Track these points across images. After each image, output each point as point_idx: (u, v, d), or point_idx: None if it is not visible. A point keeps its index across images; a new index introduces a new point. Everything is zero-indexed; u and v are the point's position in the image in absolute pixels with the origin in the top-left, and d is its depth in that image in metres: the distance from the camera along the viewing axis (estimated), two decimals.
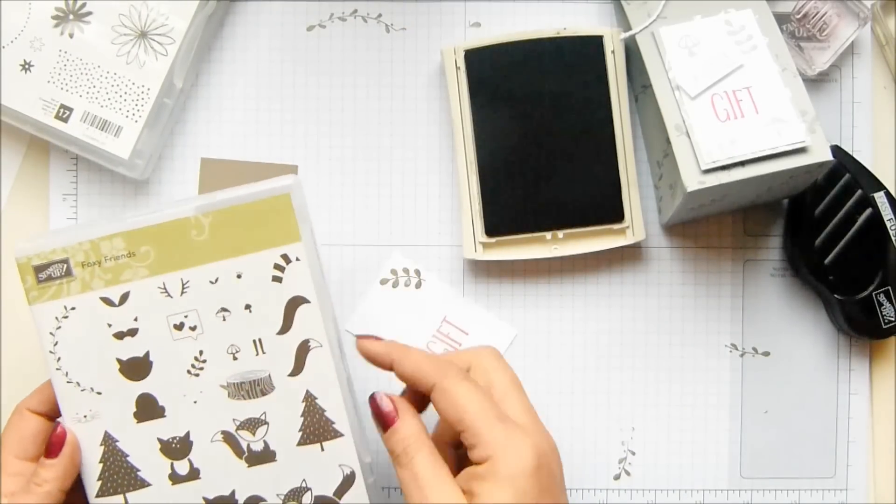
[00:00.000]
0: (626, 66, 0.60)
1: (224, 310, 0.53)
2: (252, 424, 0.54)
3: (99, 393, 0.53)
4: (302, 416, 0.54)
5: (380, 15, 0.62)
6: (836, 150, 0.61)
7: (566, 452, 0.62)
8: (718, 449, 0.62)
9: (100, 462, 0.54)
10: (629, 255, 0.63)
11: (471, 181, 0.60)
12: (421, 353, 0.51)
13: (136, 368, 0.53)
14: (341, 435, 0.54)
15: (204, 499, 0.54)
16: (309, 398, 0.54)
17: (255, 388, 0.54)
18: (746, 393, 0.63)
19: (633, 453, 0.62)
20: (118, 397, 0.53)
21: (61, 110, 0.59)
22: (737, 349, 0.63)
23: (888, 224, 0.60)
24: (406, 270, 0.62)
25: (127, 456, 0.54)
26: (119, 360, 0.53)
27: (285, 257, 0.53)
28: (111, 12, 0.59)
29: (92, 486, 0.54)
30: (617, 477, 0.62)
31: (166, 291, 0.53)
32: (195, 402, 0.54)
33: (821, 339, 0.63)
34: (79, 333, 0.53)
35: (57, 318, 0.53)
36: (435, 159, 0.62)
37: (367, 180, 0.62)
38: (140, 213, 0.53)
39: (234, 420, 0.54)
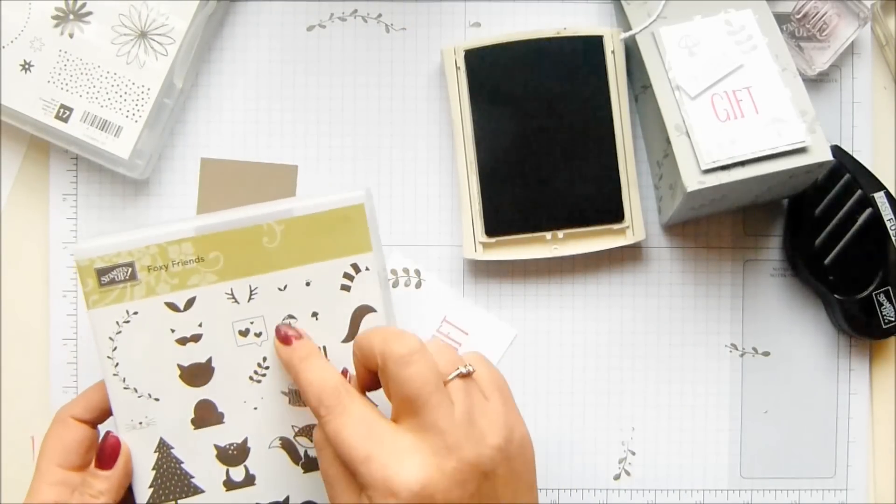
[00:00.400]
0: (626, 66, 0.60)
1: (291, 317, 0.53)
2: (311, 431, 0.54)
3: (157, 399, 0.53)
4: None
5: (380, 15, 0.62)
6: (836, 150, 0.61)
7: (566, 452, 0.62)
8: (718, 449, 0.62)
9: (153, 469, 0.53)
10: (629, 255, 0.63)
11: (471, 181, 0.60)
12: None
13: (198, 374, 0.53)
14: None
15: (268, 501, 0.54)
16: None
17: None
18: (746, 393, 0.63)
19: (633, 453, 0.63)
20: (177, 403, 0.53)
21: (61, 110, 0.59)
22: (737, 349, 0.63)
23: (888, 224, 0.60)
24: (406, 270, 0.62)
25: (182, 463, 0.53)
26: (180, 366, 0.53)
27: (355, 266, 0.53)
28: (111, 12, 0.59)
29: (143, 493, 0.53)
30: (617, 477, 0.62)
31: (234, 297, 0.53)
32: (255, 409, 0.53)
33: (821, 339, 0.63)
34: (140, 338, 0.52)
35: (118, 322, 0.52)
36: (435, 159, 0.62)
37: (367, 180, 0.62)
38: (211, 218, 0.53)
39: (293, 426, 0.54)
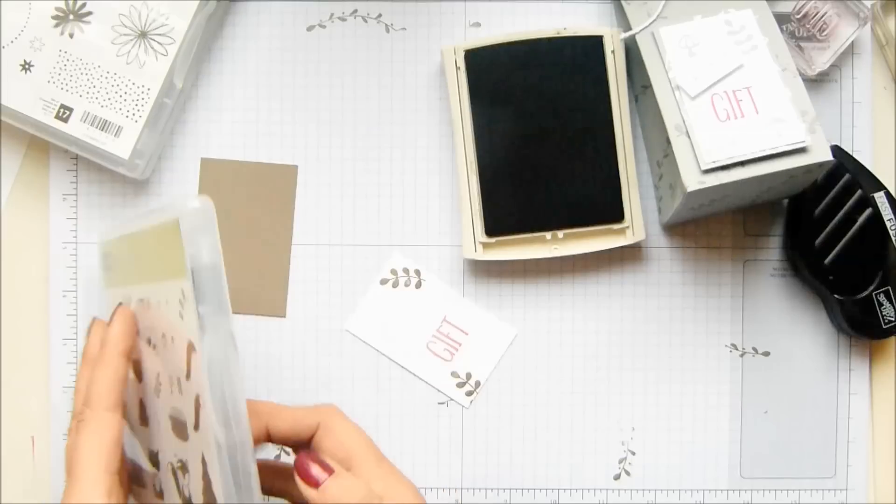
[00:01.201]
0: (626, 66, 0.60)
1: (164, 336, 0.48)
2: (183, 466, 0.48)
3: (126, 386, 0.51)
4: (202, 478, 0.46)
5: (380, 15, 0.62)
6: (836, 150, 0.61)
7: (566, 452, 0.62)
8: (718, 449, 0.62)
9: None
10: (629, 255, 0.63)
11: (471, 181, 0.60)
12: (287, 407, 0.50)
13: (137, 370, 0.52)
14: None
15: None
16: (203, 463, 0.46)
17: (179, 428, 0.48)
18: (746, 393, 0.63)
19: (633, 453, 0.62)
20: (132, 393, 0.53)
21: (61, 110, 0.59)
22: (737, 349, 0.63)
23: (888, 224, 0.60)
24: (406, 270, 0.62)
25: (127, 454, 0.53)
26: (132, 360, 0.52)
27: (183, 293, 0.45)
28: (111, 12, 0.59)
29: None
30: (617, 477, 0.62)
31: (146, 303, 0.49)
32: (159, 423, 0.50)
33: (821, 339, 0.63)
34: None
35: (113, 305, 0.53)
36: (435, 159, 0.62)
37: (367, 180, 0.62)
38: (140, 215, 0.53)
39: (174, 455, 0.49)
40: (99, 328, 0.54)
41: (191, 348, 0.45)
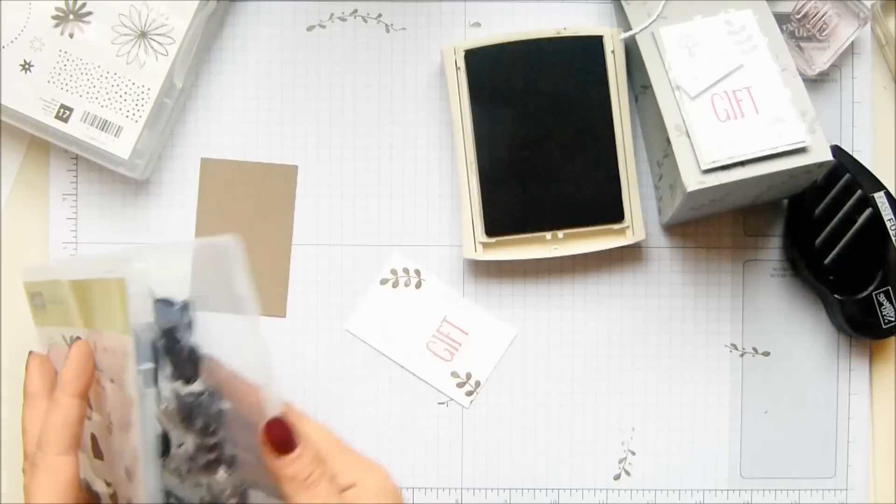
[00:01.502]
0: (626, 66, 0.60)
1: (114, 384, 0.48)
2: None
3: (89, 418, 0.51)
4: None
5: (380, 15, 0.62)
6: (836, 150, 0.61)
7: (566, 452, 0.62)
8: (718, 449, 0.62)
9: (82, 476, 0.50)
10: (629, 255, 0.63)
11: (471, 181, 0.60)
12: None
13: (90, 402, 0.50)
14: None
15: None
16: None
17: (129, 471, 0.47)
18: (746, 393, 0.63)
19: (633, 453, 0.63)
20: (86, 430, 0.51)
21: (61, 110, 0.59)
22: (737, 349, 0.63)
23: (888, 224, 0.60)
24: (406, 270, 0.62)
25: (92, 483, 0.52)
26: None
27: (124, 348, 0.45)
28: (111, 12, 0.59)
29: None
30: (617, 477, 0.62)
31: (93, 346, 0.49)
32: (112, 462, 0.48)
33: (821, 339, 0.63)
34: (60, 360, 0.51)
35: (48, 342, 0.54)
36: (435, 159, 0.62)
37: (367, 180, 0.62)
38: (74, 261, 0.52)
39: (127, 496, 0.48)
40: (37, 364, 0.52)
41: (129, 402, 0.45)
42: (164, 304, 0.47)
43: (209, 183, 0.62)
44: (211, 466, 0.48)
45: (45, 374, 0.52)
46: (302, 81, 0.62)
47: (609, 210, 0.60)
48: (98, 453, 0.51)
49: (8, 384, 0.62)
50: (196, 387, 0.47)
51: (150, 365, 0.44)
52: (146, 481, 0.45)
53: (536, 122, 0.60)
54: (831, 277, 0.60)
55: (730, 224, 0.63)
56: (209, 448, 0.48)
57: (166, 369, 0.46)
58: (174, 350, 0.46)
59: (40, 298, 0.53)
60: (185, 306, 0.47)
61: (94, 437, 0.51)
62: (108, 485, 0.50)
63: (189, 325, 0.47)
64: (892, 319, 0.60)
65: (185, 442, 0.48)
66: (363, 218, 0.62)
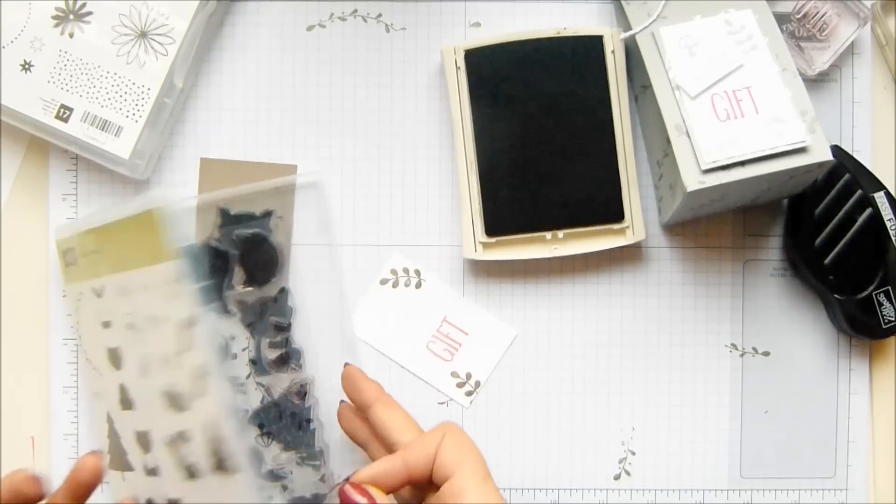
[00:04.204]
0: (626, 66, 0.60)
1: (149, 318, 0.52)
2: (183, 437, 0.52)
3: (101, 374, 0.56)
4: (207, 443, 0.51)
5: (380, 15, 0.62)
6: (836, 150, 0.61)
7: (566, 452, 0.62)
8: (718, 449, 0.62)
9: (107, 437, 0.56)
10: (629, 255, 0.63)
11: (471, 181, 0.60)
12: (415, 438, 0.53)
13: (115, 358, 0.55)
14: (238, 471, 0.51)
15: (168, 499, 0.53)
16: (212, 425, 0.51)
17: (177, 401, 0.52)
18: (746, 393, 0.63)
19: (633, 453, 0.63)
20: (110, 382, 0.55)
21: (61, 110, 0.59)
22: (737, 349, 0.63)
23: (888, 224, 0.60)
24: (406, 270, 0.62)
25: (120, 438, 0.56)
26: (107, 348, 0.55)
27: (171, 275, 0.50)
28: (111, 12, 0.59)
29: (106, 458, 0.56)
30: (617, 477, 0.62)
31: (123, 291, 0.53)
32: (150, 402, 0.53)
33: (821, 339, 0.63)
34: (86, 317, 0.56)
35: (76, 299, 0.57)
36: (435, 159, 0.62)
37: (367, 180, 0.62)
38: (105, 210, 0.55)
39: (171, 429, 0.52)
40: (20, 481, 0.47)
41: (187, 323, 0.49)
42: (244, 215, 0.55)
43: (209, 183, 0.62)
44: (280, 362, 0.56)
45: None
46: (302, 81, 0.62)
47: (609, 210, 0.60)
48: (127, 403, 0.54)
49: (8, 384, 0.62)
50: (271, 288, 0.55)
51: (207, 281, 0.50)
52: (218, 393, 0.49)
53: (536, 122, 0.60)
54: (831, 277, 0.60)
55: (730, 224, 0.63)
56: (279, 344, 0.56)
57: (237, 276, 0.53)
58: (256, 254, 0.54)
59: (72, 254, 0.55)
60: (268, 213, 0.58)
61: (122, 388, 0.55)
62: (142, 445, 0.54)
63: (270, 231, 0.56)
64: (892, 319, 0.60)
65: (248, 347, 0.56)
66: (363, 218, 0.62)
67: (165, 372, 0.51)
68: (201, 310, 0.49)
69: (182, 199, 0.54)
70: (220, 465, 0.50)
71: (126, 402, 0.54)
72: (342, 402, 0.58)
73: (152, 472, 0.54)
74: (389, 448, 0.54)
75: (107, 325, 0.55)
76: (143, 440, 0.54)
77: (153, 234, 0.49)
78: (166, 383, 0.52)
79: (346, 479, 0.52)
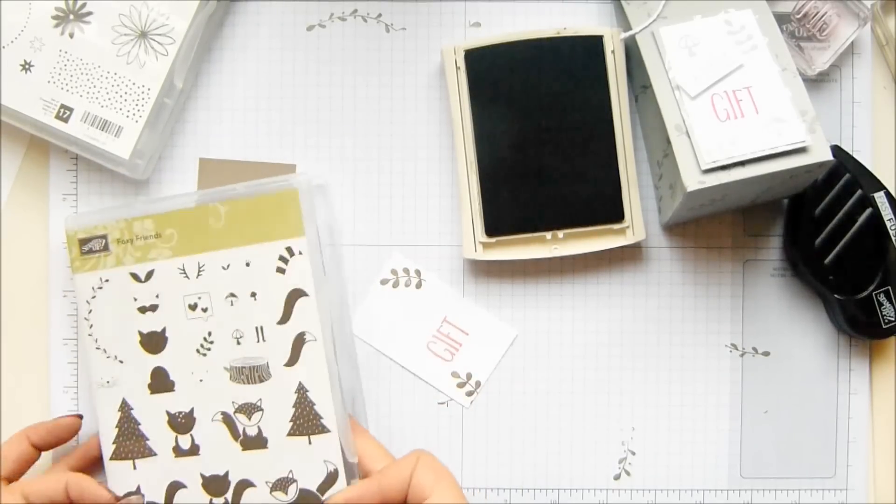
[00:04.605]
0: (626, 66, 0.60)
1: (233, 295, 0.57)
2: (249, 409, 0.56)
3: (121, 361, 0.57)
4: (294, 406, 0.56)
5: (380, 15, 0.62)
6: (836, 150, 0.61)
7: (566, 452, 0.62)
8: (718, 449, 0.62)
9: (115, 427, 0.57)
10: (629, 255, 0.63)
11: (471, 181, 0.60)
12: (389, 465, 0.56)
13: (154, 342, 0.57)
14: (328, 431, 0.56)
15: (201, 475, 0.57)
16: (301, 390, 0.56)
17: (254, 373, 0.56)
18: (746, 393, 0.63)
19: (633, 453, 0.63)
20: (137, 367, 0.57)
21: (61, 110, 0.59)
22: (737, 349, 0.63)
23: (888, 224, 0.60)
24: (406, 270, 0.62)
25: (139, 424, 0.57)
26: (140, 333, 0.57)
27: (290, 250, 0.56)
28: (111, 12, 0.59)
29: (108, 448, 0.57)
30: (617, 477, 0.62)
31: (185, 273, 0.57)
32: (201, 381, 0.57)
33: (821, 339, 0.63)
34: (110, 304, 0.57)
35: (93, 287, 0.58)
36: (435, 159, 0.62)
37: (367, 180, 0.62)
38: (167, 198, 0.58)
39: (233, 402, 0.57)
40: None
41: (296, 295, 0.56)
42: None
43: (208, 183, 0.62)
44: None
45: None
46: (302, 81, 0.62)
47: (609, 210, 0.60)
48: (161, 386, 0.57)
49: (8, 384, 0.62)
50: None
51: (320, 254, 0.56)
52: (319, 358, 0.56)
53: (536, 122, 0.60)
54: (831, 277, 0.60)
55: (730, 224, 0.63)
56: None
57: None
58: None
59: (100, 241, 0.58)
60: None
61: (156, 373, 0.57)
62: (175, 427, 0.57)
63: None
64: (892, 319, 0.60)
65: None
66: (363, 218, 0.62)
67: (239, 347, 0.56)
68: (311, 280, 0.56)
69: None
70: (301, 429, 0.56)
71: (160, 385, 0.57)
72: None
73: (190, 451, 0.57)
74: (362, 476, 0.56)
75: (150, 308, 0.57)
76: (181, 420, 0.57)
77: (291, 209, 0.56)
78: (237, 358, 0.56)
79: (322, 502, 0.55)
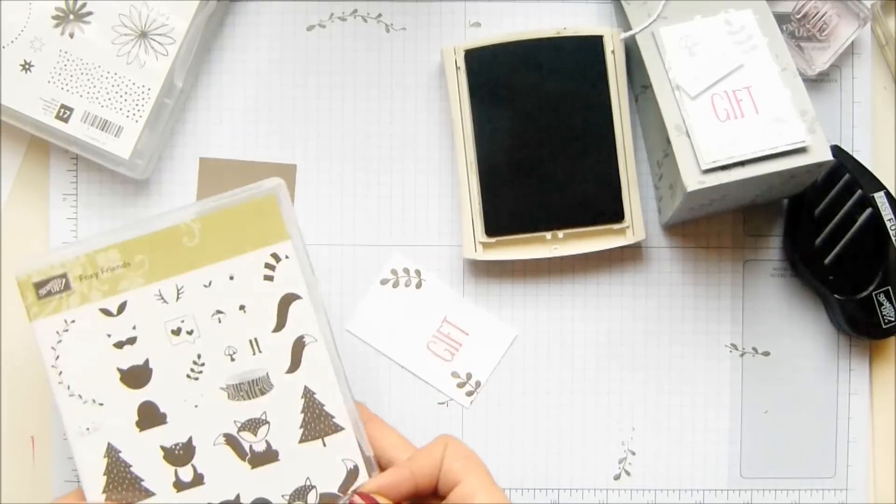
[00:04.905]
0: (626, 66, 0.60)
1: (219, 312, 0.54)
2: (253, 425, 0.54)
3: (101, 404, 0.54)
4: (302, 412, 0.54)
5: (380, 15, 0.62)
6: (836, 150, 0.61)
7: (566, 452, 0.62)
8: (718, 449, 0.62)
9: (104, 475, 0.54)
10: (629, 255, 0.63)
11: (471, 181, 0.60)
12: (417, 450, 0.54)
13: (137, 376, 0.54)
14: (342, 429, 0.54)
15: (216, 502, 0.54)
16: (308, 394, 0.54)
17: (255, 387, 0.54)
18: (746, 393, 0.63)
19: (633, 453, 0.63)
20: (120, 407, 0.54)
21: (62, 110, 0.59)
22: (737, 349, 0.63)
23: (888, 224, 0.60)
24: (406, 270, 0.62)
25: (130, 466, 0.54)
26: (119, 370, 0.54)
27: (275, 256, 0.54)
28: (111, 12, 0.59)
29: (96, 498, 0.53)
30: (617, 477, 0.62)
31: (162, 298, 0.54)
32: (196, 407, 0.54)
33: (821, 339, 0.63)
34: (79, 346, 0.54)
35: (58, 332, 0.54)
36: (435, 159, 0.62)
37: (367, 180, 0.62)
38: (132, 223, 0.55)
39: (235, 422, 0.54)
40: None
41: (289, 299, 0.54)
42: None
43: (208, 183, 0.62)
44: None
45: None
46: (302, 81, 0.62)
47: (609, 210, 0.60)
48: (152, 420, 0.54)
49: (8, 384, 0.62)
50: None
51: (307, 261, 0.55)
52: (321, 357, 0.54)
53: (536, 122, 0.60)
54: (831, 277, 0.60)
55: (730, 224, 0.63)
56: None
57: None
58: None
59: (59, 282, 0.54)
60: None
61: (143, 408, 0.54)
62: (171, 459, 0.54)
63: None
64: (892, 319, 0.60)
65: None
66: (363, 218, 0.62)
67: (233, 364, 0.54)
68: (314, 284, 0.55)
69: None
70: (313, 433, 0.54)
71: (150, 420, 0.54)
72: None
73: (193, 482, 0.54)
74: (385, 466, 0.55)
75: (128, 341, 0.54)
76: (179, 452, 0.54)
77: (269, 215, 0.54)
78: (232, 375, 0.54)
79: (354, 491, 0.53)
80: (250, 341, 0.54)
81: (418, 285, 0.62)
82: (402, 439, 0.55)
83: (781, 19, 0.60)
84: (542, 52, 0.60)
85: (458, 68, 0.60)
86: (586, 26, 0.62)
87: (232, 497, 0.54)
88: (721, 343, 0.63)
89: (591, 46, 0.60)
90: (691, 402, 0.63)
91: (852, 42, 0.61)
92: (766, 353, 0.63)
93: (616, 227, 0.60)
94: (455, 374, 0.62)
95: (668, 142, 0.55)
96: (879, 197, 0.60)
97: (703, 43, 0.56)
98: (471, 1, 0.63)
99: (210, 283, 0.54)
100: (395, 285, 0.62)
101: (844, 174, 0.60)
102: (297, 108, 0.62)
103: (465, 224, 0.61)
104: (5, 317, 0.62)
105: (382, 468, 0.54)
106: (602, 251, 0.61)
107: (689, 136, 0.55)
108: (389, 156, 0.62)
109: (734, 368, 0.63)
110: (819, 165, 0.55)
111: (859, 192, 0.60)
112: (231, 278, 0.54)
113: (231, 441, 0.54)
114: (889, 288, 0.60)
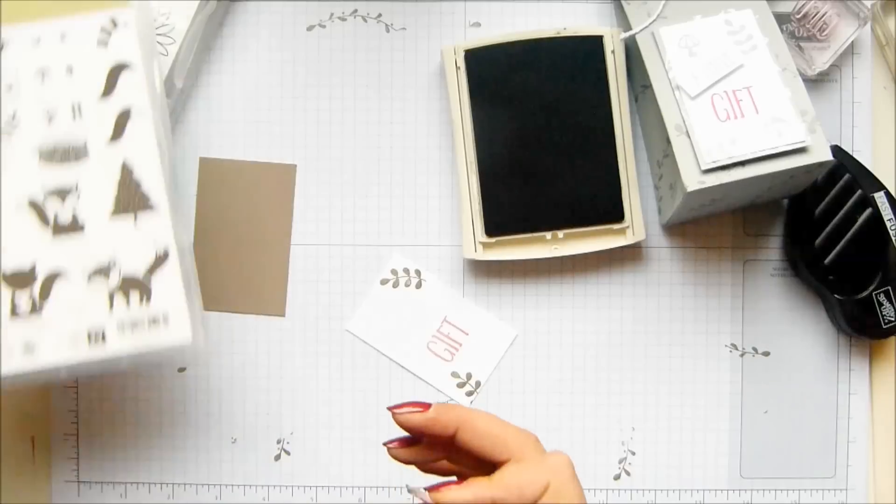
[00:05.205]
0: (626, 66, 0.60)
1: (44, 71, 0.52)
2: (62, 193, 0.51)
3: None
4: (117, 186, 0.52)
5: (380, 15, 0.62)
6: (836, 150, 0.61)
7: (566, 452, 0.62)
8: (718, 449, 0.62)
9: None
10: (629, 255, 0.63)
11: (471, 181, 0.60)
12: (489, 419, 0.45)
13: None
14: (155, 208, 0.52)
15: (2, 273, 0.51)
16: (125, 169, 0.52)
17: (69, 153, 0.52)
18: (746, 393, 0.63)
19: (633, 453, 0.62)
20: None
21: None
22: (737, 349, 0.63)
23: (888, 224, 0.60)
24: (406, 270, 0.62)
25: None
26: None
27: (113, 21, 0.52)
28: None
29: None
30: (617, 477, 0.62)
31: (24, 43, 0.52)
32: (4, 167, 0.51)
33: (821, 339, 0.63)
34: None
35: None
36: (435, 159, 0.62)
37: (367, 180, 0.62)
38: None
39: (43, 187, 0.51)
40: None
41: (120, 68, 0.52)
42: None
43: (208, 182, 0.62)
44: None
45: None
46: (302, 81, 0.62)
47: (609, 210, 0.60)
48: None
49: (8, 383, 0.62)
50: None
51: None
52: (160, 139, 0.52)
53: (536, 122, 0.60)
54: (831, 277, 0.60)
55: (730, 224, 0.63)
56: None
57: None
58: None
59: None
60: None
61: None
62: None
63: None
64: (892, 319, 0.60)
65: None
66: (363, 218, 0.62)
67: (50, 127, 0.52)
68: (138, 54, 0.52)
69: None
70: (125, 207, 0.51)
71: None
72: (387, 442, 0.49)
73: None
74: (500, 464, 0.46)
75: None
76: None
77: None
78: (48, 139, 0.51)
79: (427, 489, 0.46)
80: (73, 105, 0.52)
81: (418, 285, 0.62)
82: (523, 432, 0.46)
83: (781, 19, 0.60)
84: (542, 52, 0.60)
85: (458, 68, 0.60)
86: (586, 26, 0.62)
87: (27, 267, 0.51)
88: (721, 343, 0.63)
89: (591, 46, 0.60)
90: (691, 402, 0.63)
91: (852, 42, 0.61)
92: (766, 354, 0.63)
93: (616, 227, 0.60)
94: (455, 374, 0.62)
95: (668, 142, 0.55)
96: (879, 197, 0.60)
97: (703, 43, 0.56)
98: (471, 1, 0.63)
99: (39, 40, 0.52)
100: (396, 285, 0.62)
101: (844, 174, 0.60)
102: (297, 108, 0.62)
103: (464, 224, 0.61)
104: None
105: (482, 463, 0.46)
106: (602, 251, 0.61)
107: (689, 136, 0.55)
108: (389, 156, 0.62)
109: (734, 368, 0.63)
110: (819, 165, 0.55)
111: (859, 192, 0.60)
112: (62, 37, 0.52)
113: (35, 206, 0.51)
114: (889, 288, 0.60)
